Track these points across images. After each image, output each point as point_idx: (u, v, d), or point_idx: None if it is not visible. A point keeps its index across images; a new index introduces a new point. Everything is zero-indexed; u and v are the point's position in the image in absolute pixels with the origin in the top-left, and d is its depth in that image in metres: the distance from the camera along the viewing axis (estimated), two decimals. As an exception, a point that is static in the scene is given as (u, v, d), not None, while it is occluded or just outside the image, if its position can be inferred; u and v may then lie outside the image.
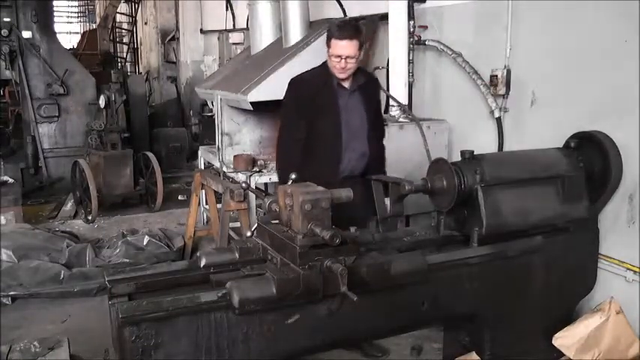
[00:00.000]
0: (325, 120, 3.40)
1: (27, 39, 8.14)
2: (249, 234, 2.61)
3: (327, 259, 2.23)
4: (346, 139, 3.41)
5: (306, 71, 3.54)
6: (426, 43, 4.61)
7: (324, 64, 3.41)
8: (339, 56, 3.27)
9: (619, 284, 3.44)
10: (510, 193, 2.97)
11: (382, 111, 3.84)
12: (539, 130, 3.86)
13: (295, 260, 2.24)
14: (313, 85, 3.42)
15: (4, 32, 7.97)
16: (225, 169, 5.24)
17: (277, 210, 2.46)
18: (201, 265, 2.53)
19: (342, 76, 3.36)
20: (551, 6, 3.72)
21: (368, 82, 3.54)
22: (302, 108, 3.41)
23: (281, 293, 2.19)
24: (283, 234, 2.34)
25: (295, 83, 3.47)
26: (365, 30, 5.26)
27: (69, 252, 5.15)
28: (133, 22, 15.07)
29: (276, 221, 2.46)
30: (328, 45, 3.32)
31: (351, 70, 3.34)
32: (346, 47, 3.25)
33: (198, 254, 2.67)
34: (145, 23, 14.30)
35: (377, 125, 3.61)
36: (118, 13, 14.12)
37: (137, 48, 15.37)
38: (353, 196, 2.38)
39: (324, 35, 3.52)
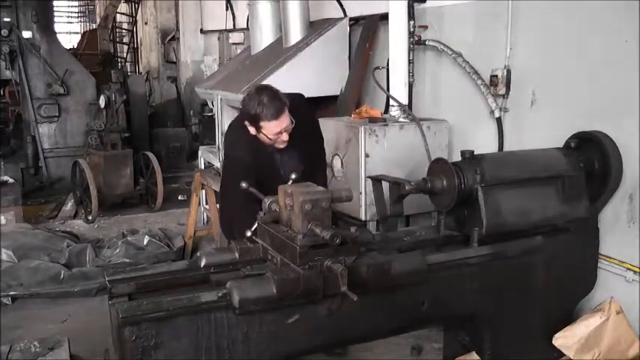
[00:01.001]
0: (268, 184, 3.04)
1: (27, 39, 8.14)
2: (249, 234, 2.61)
3: (327, 259, 2.23)
4: None
5: (239, 143, 3.20)
6: (426, 43, 4.61)
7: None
8: (279, 132, 3.00)
9: (619, 284, 3.43)
10: (510, 193, 2.96)
11: (319, 137, 3.50)
12: (539, 130, 3.86)
13: (295, 260, 2.24)
14: (255, 158, 3.14)
15: (4, 32, 7.97)
16: (225, 169, 5.24)
17: (277, 210, 2.46)
18: (201, 265, 2.53)
19: (283, 146, 3.10)
20: (551, 6, 3.72)
21: (297, 123, 3.09)
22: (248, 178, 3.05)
23: (281, 293, 2.19)
24: (283, 234, 2.34)
25: (238, 163, 3.17)
26: (365, 30, 5.29)
27: (69, 252, 5.16)
28: (133, 22, 15.06)
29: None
30: (257, 127, 3.00)
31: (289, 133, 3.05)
32: (281, 122, 2.98)
33: (198, 254, 2.67)
34: (145, 23, 14.30)
35: (313, 171, 3.31)
36: (118, 13, 14.11)
37: (137, 48, 15.37)
38: None
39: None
